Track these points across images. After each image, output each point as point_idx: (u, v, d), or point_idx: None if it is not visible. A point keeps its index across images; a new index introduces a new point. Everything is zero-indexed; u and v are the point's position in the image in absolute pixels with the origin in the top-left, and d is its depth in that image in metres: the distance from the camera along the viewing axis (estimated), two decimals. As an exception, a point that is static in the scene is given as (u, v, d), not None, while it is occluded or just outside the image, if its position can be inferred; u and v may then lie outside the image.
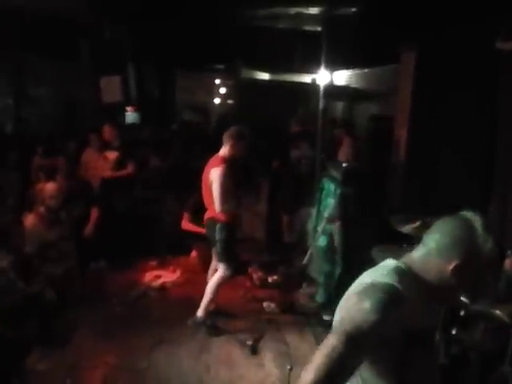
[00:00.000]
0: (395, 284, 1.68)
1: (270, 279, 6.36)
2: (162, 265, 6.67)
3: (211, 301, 5.19)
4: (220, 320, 5.38)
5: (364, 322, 1.60)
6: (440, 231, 1.80)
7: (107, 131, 7.10)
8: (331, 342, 1.67)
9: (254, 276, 6.44)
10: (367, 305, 1.61)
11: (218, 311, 5.48)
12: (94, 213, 6.07)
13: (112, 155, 7.01)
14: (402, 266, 1.79)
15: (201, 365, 4.63)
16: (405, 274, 1.75)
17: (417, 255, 1.83)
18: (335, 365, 1.64)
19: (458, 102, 5.43)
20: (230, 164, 4.93)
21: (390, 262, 1.83)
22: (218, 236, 5.07)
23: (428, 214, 4.42)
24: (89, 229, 5.98)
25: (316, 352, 1.70)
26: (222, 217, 5.02)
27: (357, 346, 1.63)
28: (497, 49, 4.95)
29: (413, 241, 4.39)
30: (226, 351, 4.88)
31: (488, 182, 5.38)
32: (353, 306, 1.66)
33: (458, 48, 5.32)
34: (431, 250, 1.78)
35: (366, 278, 1.79)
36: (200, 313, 5.17)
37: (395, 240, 4.42)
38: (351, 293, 1.75)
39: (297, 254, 6.18)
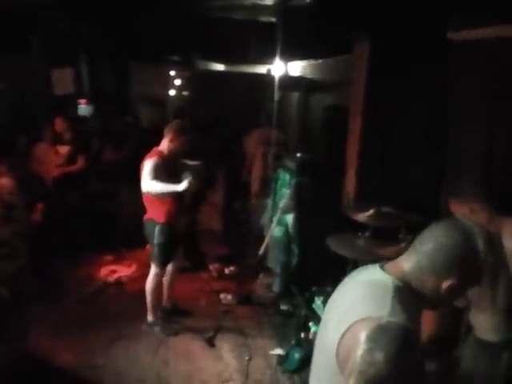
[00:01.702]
0: (402, 322, 1.55)
1: (226, 271, 6.37)
2: (118, 259, 6.61)
3: (154, 303, 5.10)
4: (177, 313, 5.37)
5: (380, 376, 1.49)
6: (434, 243, 1.69)
7: (59, 124, 7.00)
8: None
9: (211, 268, 6.44)
10: (380, 357, 1.49)
11: (175, 305, 5.46)
12: (40, 205, 5.94)
13: (63, 149, 6.91)
14: (398, 283, 1.68)
15: (159, 359, 4.62)
16: (403, 293, 1.66)
17: (408, 268, 1.73)
18: None
19: (410, 92, 5.49)
20: (165, 157, 4.75)
21: (383, 279, 1.72)
22: (156, 239, 4.90)
23: (382, 202, 4.49)
24: (35, 215, 5.84)
25: None
26: (162, 218, 4.85)
27: None
28: (448, 39, 5.03)
29: (367, 229, 4.46)
30: (184, 344, 4.88)
31: (441, 171, 5.48)
32: (365, 357, 1.51)
33: (410, 37, 5.37)
34: (424, 265, 1.69)
35: (364, 302, 1.66)
36: (150, 317, 5.11)
37: (350, 229, 4.46)
38: (356, 334, 1.57)
39: (253, 245, 6.18)
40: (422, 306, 1.74)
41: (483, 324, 3.05)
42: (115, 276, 6.19)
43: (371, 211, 4.32)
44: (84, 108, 9.36)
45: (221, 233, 7.51)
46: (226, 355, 4.74)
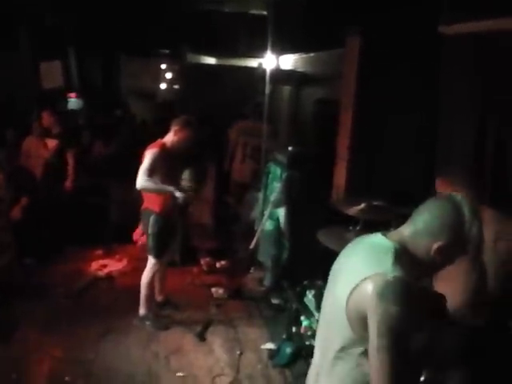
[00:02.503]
0: (402, 275, 1.76)
1: (217, 265, 6.36)
2: (108, 254, 6.58)
3: (148, 296, 5.07)
4: (168, 307, 5.36)
5: (402, 327, 1.69)
6: (429, 212, 1.92)
7: (46, 118, 6.95)
8: (383, 357, 1.70)
9: (202, 262, 6.43)
10: (395, 310, 1.69)
11: (167, 298, 5.45)
12: (24, 200, 5.90)
13: (52, 143, 6.85)
14: (397, 246, 1.88)
15: (149, 353, 4.61)
16: (401, 254, 1.86)
17: (406, 233, 1.93)
18: (401, 375, 1.71)
19: (401, 86, 5.49)
20: (167, 149, 4.78)
21: (384, 242, 1.91)
22: (150, 229, 4.90)
23: (372, 196, 4.48)
24: (15, 212, 5.81)
25: (375, 373, 1.73)
26: (158, 208, 4.86)
27: (405, 347, 1.71)
28: (439, 33, 5.03)
29: (358, 223, 4.46)
30: (175, 339, 4.86)
31: (431, 166, 5.48)
32: (382, 314, 1.70)
33: (401, 32, 5.37)
34: (420, 229, 1.90)
35: (368, 262, 1.86)
36: (142, 310, 5.08)
37: (340, 222, 4.45)
38: (365, 290, 1.77)
39: (244, 239, 6.17)
40: (417, 270, 1.89)
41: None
42: (106, 270, 6.16)
43: (362, 205, 4.31)
44: (74, 102, 9.32)
45: (212, 227, 7.49)
46: (217, 349, 4.73)
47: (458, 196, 1.93)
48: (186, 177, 6.02)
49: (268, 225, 5.59)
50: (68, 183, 6.84)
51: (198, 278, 6.17)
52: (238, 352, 4.65)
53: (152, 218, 4.87)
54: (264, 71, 6.88)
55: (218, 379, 4.29)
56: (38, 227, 6.09)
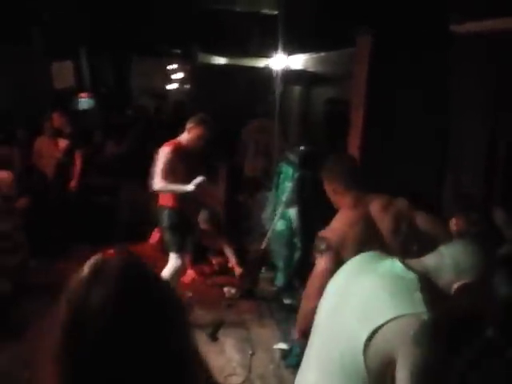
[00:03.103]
0: (434, 314, 1.63)
1: (229, 264, 6.36)
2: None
3: None
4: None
5: (439, 373, 1.63)
6: (459, 249, 1.82)
7: (56, 119, 6.99)
8: None
9: (214, 261, 6.43)
10: (433, 357, 1.60)
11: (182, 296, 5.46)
12: (23, 200, 5.86)
13: (63, 143, 6.92)
14: (422, 279, 1.75)
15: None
16: (426, 289, 1.72)
17: (432, 264, 1.82)
18: None
19: (412, 85, 5.47)
20: (182, 148, 4.85)
21: (407, 274, 1.77)
22: (163, 223, 4.99)
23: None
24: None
25: None
26: (172, 203, 4.94)
27: None
28: (450, 32, 5.02)
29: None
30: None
31: (442, 167, 5.47)
32: (419, 362, 1.60)
33: (412, 31, 5.35)
34: (447, 264, 1.78)
35: (393, 298, 1.71)
36: None
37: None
38: (400, 332, 1.64)
39: (256, 239, 6.17)
40: (440, 303, 1.75)
41: None
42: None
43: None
44: (85, 101, 9.36)
45: (223, 226, 7.49)
46: (229, 349, 4.74)
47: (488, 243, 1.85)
48: (203, 217, 6.04)
49: (280, 225, 5.58)
50: (73, 183, 6.86)
51: (209, 277, 6.18)
52: (250, 352, 4.65)
53: (165, 213, 4.96)
54: (275, 71, 6.89)
55: (229, 379, 4.30)
56: (49, 227, 6.12)
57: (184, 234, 5.10)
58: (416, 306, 1.64)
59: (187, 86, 11.80)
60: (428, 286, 1.73)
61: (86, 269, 1.08)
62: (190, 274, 6.21)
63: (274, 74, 6.77)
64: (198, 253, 6.45)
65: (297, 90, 9.54)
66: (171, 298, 1.12)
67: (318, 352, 1.96)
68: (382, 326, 1.64)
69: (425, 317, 1.60)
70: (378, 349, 1.65)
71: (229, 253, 6.29)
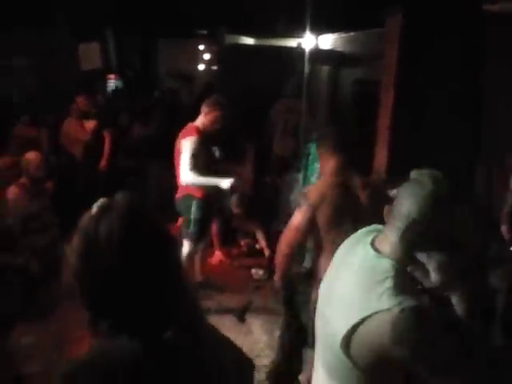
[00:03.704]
0: (413, 303, 1.57)
1: (257, 246, 6.34)
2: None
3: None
4: (207, 288, 5.37)
5: (439, 345, 1.59)
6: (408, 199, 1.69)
7: (81, 101, 6.98)
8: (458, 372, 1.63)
9: (242, 243, 6.42)
10: (421, 341, 1.58)
11: (207, 278, 5.46)
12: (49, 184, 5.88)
13: (90, 125, 6.94)
14: (394, 264, 1.66)
15: (189, 334, 4.62)
16: (402, 273, 1.66)
17: (393, 238, 1.71)
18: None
19: (444, 66, 5.38)
20: (204, 135, 4.74)
21: (379, 262, 1.69)
22: (193, 215, 4.87)
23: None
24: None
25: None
26: (200, 193, 4.82)
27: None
28: (484, 11, 4.89)
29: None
30: (214, 320, 4.80)
31: (474, 150, 5.38)
32: (415, 353, 1.59)
33: (444, 11, 5.24)
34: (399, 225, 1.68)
35: (368, 294, 1.64)
36: None
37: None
38: (377, 331, 1.59)
39: (284, 220, 6.14)
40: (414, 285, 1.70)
41: None
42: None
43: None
44: (112, 83, 9.38)
45: (251, 208, 7.48)
46: (257, 330, 4.73)
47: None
48: (234, 201, 6.01)
49: (308, 206, 5.54)
50: (103, 163, 6.88)
51: (237, 259, 6.18)
52: (278, 333, 4.64)
53: (195, 204, 4.85)
54: (303, 51, 6.81)
55: (257, 360, 4.28)
56: (77, 208, 6.15)
57: (208, 225, 5.10)
58: (387, 301, 1.58)
59: (214, 67, 11.74)
60: (400, 267, 1.66)
61: (95, 207, 1.30)
62: (218, 255, 6.22)
63: (303, 54, 6.69)
64: (226, 235, 6.45)
65: (325, 70, 9.44)
66: (165, 233, 1.35)
67: (318, 343, 1.95)
68: (359, 325, 1.61)
69: (397, 310, 1.55)
70: (360, 348, 1.64)
71: (258, 234, 6.28)
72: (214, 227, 6.19)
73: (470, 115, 5.35)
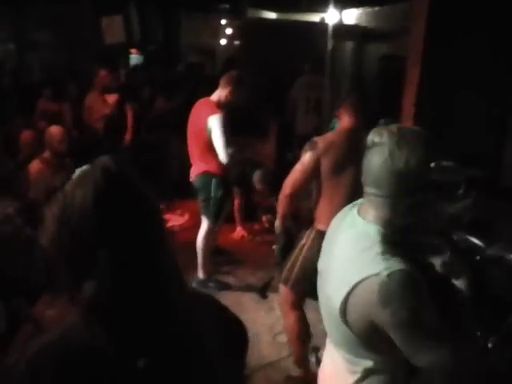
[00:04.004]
0: (399, 267, 1.59)
1: (278, 222, 6.32)
2: (170, 208, 6.63)
3: (206, 258, 5.05)
4: (229, 264, 5.37)
5: (421, 313, 1.61)
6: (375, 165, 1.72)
7: (102, 75, 6.93)
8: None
9: (264, 219, 6.40)
10: (398, 308, 1.58)
11: (227, 256, 5.46)
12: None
13: (111, 98, 6.92)
14: (379, 229, 1.69)
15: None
16: (387, 236, 1.68)
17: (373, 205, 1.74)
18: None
19: (474, 44, 5.27)
20: (222, 109, 4.65)
21: (365, 229, 1.72)
22: (214, 192, 4.82)
23: (440, 156, 4.35)
24: None
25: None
26: (219, 170, 4.77)
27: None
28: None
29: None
30: (236, 296, 4.88)
31: (504, 128, 5.30)
32: (388, 316, 1.60)
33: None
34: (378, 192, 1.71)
35: (356, 262, 1.69)
36: (200, 274, 5.06)
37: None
38: (365, 297, 1.63)
39: (306, 197, 6.11)
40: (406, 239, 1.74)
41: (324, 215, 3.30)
42: (168, 225, 6.21)
43: (432, 164, 4.18)
44: (135, 58, 9.35)
45: (274, 184, 7.44)
46: (278, 307, 4.70)
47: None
48: (257, 177, 5.95)
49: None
50: (128, 136, 6.88)
51: (259, 235, 6.17)
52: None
53: (215, 181, 4.81)
54: (327, 26, 6.72)
55: (279, 337, 4.29)
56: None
57: (228, 202, 5.12)
58: (376, 266, 1.60)
59: (237, 42, 11.64)
60: (387, 232, 1.68)
61: (75, 175, 1.27)
62: (240, 231, 6.22)
63: (326, 29, 6.60)
64: (248, 210, 6.44)
65: (349, 45, 9.33)
66: (146, 196, 1.27)
67: (325, 319, 1.99)
68: (353, 290, 1.64)
69: (385, 274, 1.57)
70: (354, 314, 1.67)
71: None
72: (237, 202, 6.18)
73: (498, 99, 5.26)
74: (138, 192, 1.26)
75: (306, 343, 3.72)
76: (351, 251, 1.73)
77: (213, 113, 4.57)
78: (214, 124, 4.52)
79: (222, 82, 4.75)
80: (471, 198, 3.67)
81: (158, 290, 1.24)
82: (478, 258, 3.59)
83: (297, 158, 6.95)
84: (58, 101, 7.05)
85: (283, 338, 4.25)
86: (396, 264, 1.59)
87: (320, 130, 6.48)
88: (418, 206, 1.70)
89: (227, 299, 4.76)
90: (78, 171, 1.28)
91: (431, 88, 5.91)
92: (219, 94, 4.73)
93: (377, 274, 1.59)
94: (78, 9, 8.37)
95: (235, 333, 1.48)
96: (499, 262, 3.60)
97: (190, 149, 4.94)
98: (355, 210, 1.82)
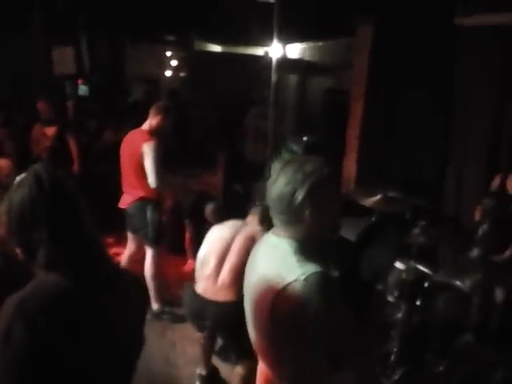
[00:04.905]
0: (314, 270, 1.77)
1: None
2: (120, 241, 6.55)
3: (158, 287, 5.09)
4: (180, 296, 5.35)
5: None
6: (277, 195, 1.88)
7: (41, 107, 6.69)
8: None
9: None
10: (323, 304, 1.75)
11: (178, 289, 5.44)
12: None
13: (50, 131, 6.69)
14: (291, 242, 1.88)
15: (166, 342, 4.62)
16: (300, 247, 1.87)
17: (282, 226, 1.92)
18: None
19: (414, 76, 5.48)
20: (158, 138, 4.81)
21: (279, 243, 1.92)
22: (150, 218, 4.92)
23: (384, 187, 4.49)
24: None
25: None
26: (154, 195, 4.90)
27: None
28: (455, 23, 5.02)
29: (372, 213, 4.48)
30: (191, 327, 4.85)
31: (444, 155, 5.49)
32: (312, 315, 1.75)
33: (415, 22, 5.35)
34: (282, 213, 1.88)
35: (275, 271, 1.86)
36: (155, 305, 5.07)
37: (353, 214, 4.47)
38: (288, 300, 1.78)
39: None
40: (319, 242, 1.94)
41: None
42: (119, 259, 6.14)
43: (378, 196, 4.32)
44: (81, 88, 9.26)
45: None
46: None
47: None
48: (209, 211, 5.97)
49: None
50: (75, 167, 6.72)
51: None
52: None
53: (150, 207, 4.92)
54: (270, 59, 6.86)
55: (237, 369, 4.29)
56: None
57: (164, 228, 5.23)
58: (294, 273, 1.78)
59: (182, 74, 11.72)
60: (300, 244, 1.87)
61: (16, 181, 1.74)
62: (191, 264, 6.20)
63: (270, 63, 6.74)
64: (199, 243, 6.42)
65: (294, 78, 9.52)
66: (67, 190, 1.73)
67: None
68: (276, 299, 1.80)
69: (302, 278, 1.74)
70: (281, 321, 1.82)
71: None
72: (188, 236, 6.20)
73: (439, 126, 5.47)
74: (61, 188, 1.71)
75: None
76: (271, 264, 1.92)
77: (147, 140, 4.72)
78: (148, 150, 4.66)
79: (153, 111, 4.91)
80: (419, 227, 3.83)
81: (85, 249, 1.71)
82: (426, 284, 3.74)
83: (245, 190, 7.05)
84: (4, 131, 6.86)
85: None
86: (310, 268, 1.78)
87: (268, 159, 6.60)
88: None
89: (182, 331, 4.76)
90: (18, 178, 1.75)
91: (374, 120, 6.09)
92: (150, 123, 4.88)
93: (295, 280, 1.76)
94: (28, 38, 8.27)
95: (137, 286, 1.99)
96: (446, 288, 3.76)
97: (123, 178, 5.05)
98: (269, 232, 2.03)
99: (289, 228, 1.90)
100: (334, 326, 1.78)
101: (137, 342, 1.93)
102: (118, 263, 6.00)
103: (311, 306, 1.73)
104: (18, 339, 1.52)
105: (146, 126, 4.90)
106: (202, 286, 3.75)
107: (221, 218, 6.08)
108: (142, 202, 4.92)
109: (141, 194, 4.90)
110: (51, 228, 1.64)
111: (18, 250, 1.74)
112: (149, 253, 5.05)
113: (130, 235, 5.27)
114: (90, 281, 1.69)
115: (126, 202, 5.05)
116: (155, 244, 5.02)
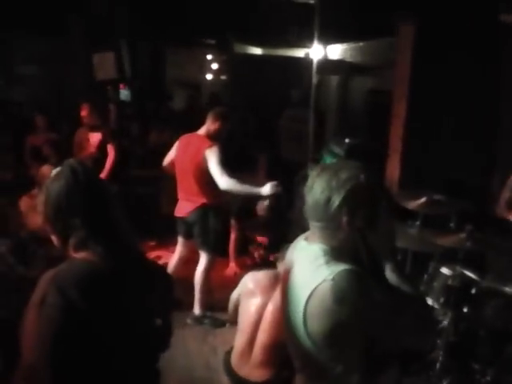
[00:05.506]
0: (342, 268, 1.76)
1: (271, 257, 6.31)
2: (162, 245, 6.58)
3: (204, 294, 5.08)
4: (222, 302, 5.33)
5: (374, 303, 1.77)
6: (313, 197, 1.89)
7: (84, 112, 6.66)
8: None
9: (256, 254, 6.39)
10: (358, 302, 1.73)
11: (220, 293, 5.43)
12: None
13: (95, 137, 6.70)
14: (323, 246, 1.88)
15: (207, 347, 4.60)
16: (331, 252, 1.86)
17: (317, 232, 1.92)
18: None
19: (459, 76, 5.37)
20: (218, 143, 4.82)
21: (311, 249, 1.92)
22: (212, 225, 4.93)
23: (428, 189, 4.39)
24: None
25: None
26: (216, 202, 4.92)
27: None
28: (500, 21, 4.88)
29: (417, 216, 4.37)
30: (232, 332, 4.81)
31: (491, 157, 5.36)
32: (351, 314, 1.74)
33: (459, 20, 5.23)
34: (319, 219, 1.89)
35: (308, 276, 1.85)
36: (196, 310, 5.08)
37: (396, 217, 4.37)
38: (320, 302, 1.77)
39: (297, 231, 6.10)
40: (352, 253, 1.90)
41: None
42: (161, 262, 6.16)
43: (423, 198, 4.23)
44: (124, 92, 9.37)
45: (264, 218, 7.42)
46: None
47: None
48: (262, 207, 5.97)
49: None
50: (103, 175, 6.48)
51: (251, 270, 6.14)
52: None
53: (212, 214, 4.91)
54: (311, 61, 6.81)
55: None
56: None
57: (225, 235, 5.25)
58: (322, 274, 1.77)
59: (223, 77, 11.73)
60: (328, 248, 1.87)
61: (53, 173, 1.91)
62: (233, 267, 6.20)
63: (311, 64, 6.69)
64: (240, 246, 6.43)
65: (335, 79, 9.42)
66: (105, 188, 1.97)
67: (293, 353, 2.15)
68: (307, 302, 1.80)
69: (330, 278, 1.73)
70: (314, 323, 1.81)
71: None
72: (233, 237, 6.20)
73: (484, 128, 5.34)
74: (93, 180, 1.93)
75: None
76: (303, 269, 1.93)
77: (209, 145, 4.72)
78: (211, 155, 4.66)
79: (211, 116, 4.92)
80: (466, 231, 3.72)
81: (114, 235, 1.90)
82: (473, 290, 3.62)
83: (287, 191, 7.01)
84: (45, 136, 6.95)
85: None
86: (337, 267, 1.76)
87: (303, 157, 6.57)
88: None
89: (224, 336, 4.75)
90: (54, 171, 1.91)
91: (418, 120, 5.98)
92: (208, 128, 4.91)
93: (324, 281, 1.75)
94: (69, 44, 8.40)
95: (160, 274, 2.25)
96: (495, 294, 3.64)
97: (180, 185, 5.02)
98: (303, 239, 2.03)
99: (325, 234, 1.89)
100: (374, 320, 1.78)
101: (162, 330, 2.17)
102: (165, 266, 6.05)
103: (344, 304, 1.71)
104: (51, 304, 1.67)
105: (203, 130, 4.92)
106: (235, 362, 3.49)
107: (270, 214, 6.11)
108: (204, 208, 4.92)
109: (202, 200, 4.91)
110: (85, 216, 1.83)
111: (53, 237, 1.92)
112: (203, 258, 5.05)
113: (181, 240, 5.26)
114: (118, 262, 1.85)
115: (185, 209, 5.03)
116: (213, 251, 5.03)
